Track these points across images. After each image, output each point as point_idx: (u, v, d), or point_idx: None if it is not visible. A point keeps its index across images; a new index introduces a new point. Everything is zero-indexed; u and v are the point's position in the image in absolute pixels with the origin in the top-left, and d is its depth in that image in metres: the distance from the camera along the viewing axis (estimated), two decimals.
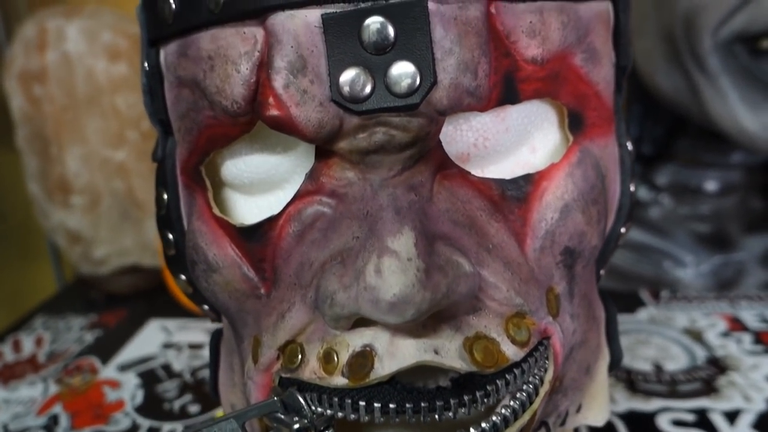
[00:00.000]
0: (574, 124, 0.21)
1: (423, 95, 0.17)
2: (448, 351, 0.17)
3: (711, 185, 0.49)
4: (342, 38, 0.17)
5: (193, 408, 0.38)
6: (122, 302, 0.54)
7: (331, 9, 0.18)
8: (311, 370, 0.18)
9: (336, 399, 0.18)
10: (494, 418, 0.18)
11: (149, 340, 0.47)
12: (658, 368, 0.40)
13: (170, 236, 0.24)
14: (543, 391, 0.19)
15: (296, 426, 0.18)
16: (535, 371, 0.19)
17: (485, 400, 0.18)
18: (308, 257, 0.19)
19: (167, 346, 0.46)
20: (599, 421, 0.24)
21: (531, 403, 0.19)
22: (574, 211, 0.20)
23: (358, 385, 0.17)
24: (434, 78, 0.17)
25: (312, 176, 0.19)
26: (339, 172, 0.19)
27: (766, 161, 0.49)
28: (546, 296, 0.20)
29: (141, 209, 0.52)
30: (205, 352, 0.44)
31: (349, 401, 0.17)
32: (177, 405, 0.39)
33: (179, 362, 0.43)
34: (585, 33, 0.21)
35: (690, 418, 0.35)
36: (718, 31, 0.38)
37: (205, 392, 0.40)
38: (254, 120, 0.19)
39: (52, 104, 0.49)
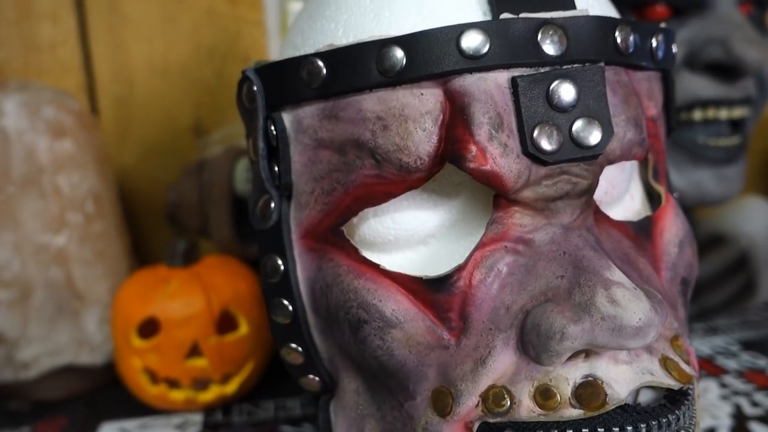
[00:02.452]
0: (654, 175, 0.25)
1: (604, 146, 0.20)
2: (657, 372, 0.19)
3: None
4: (532, 98, 0.19)
5: None
6: (55, 409, 0.47)
7: (516, 72, 0.20)
8: (527, 409, 0.19)
9: (571, 431, 0.18)
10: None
11: None
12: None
13: (285, 303, 0.23)
14: (698, 404, 0.22)
15: None
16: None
17: (687, 411, 0.20)
18: (502, 301, 0.20)
19: None
20: None
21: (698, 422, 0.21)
22: (687, 246, 0.23)
23: (595, 413, 0.18)
24: (611, 131, 0.20)
25: (493, 225, 0.20)
26: (521, 219, 0.20)
27: None
28: None
29: (81, 300, 0.47)
30: None
31: (586, 430, 0.18)
32: None
33: None
34: (660, 100, 0.25)
35: None
36: None
37: None
38: (430, 176, 0.20)
39: None
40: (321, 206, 0.22)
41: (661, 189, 0.25)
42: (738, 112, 0.46)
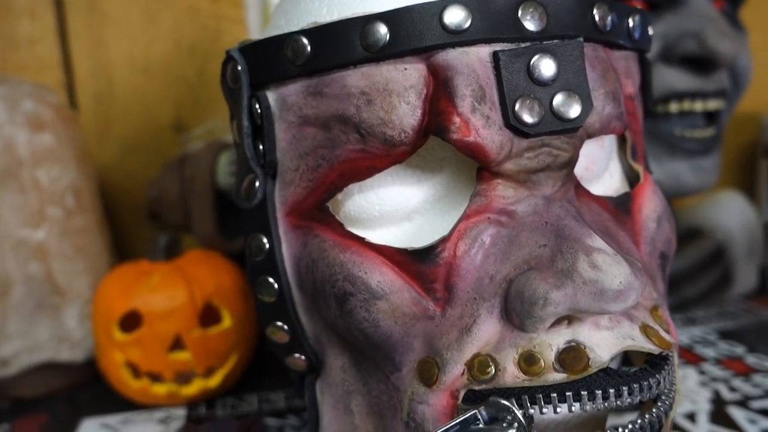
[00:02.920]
0: (633, 154, 0.26)
1: (582, 120, 0.20)
2: (637, 337, 0.19)
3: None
4: (513, 72, 0.20)
5: None
6: (35, 406, 0.46)
7: (498, 47, 0.20)
8: (512, 375, 0.19)
9: (554, 395, 0.19)
10: (662, 405, 0.20)
11: None
12: None
13: (271, 281, 0.23)
14: (678, 373, 0.22)
15: (512, 430, 0.18)
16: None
17: (667, 376, 0.20)
18: (487, 271, 0.20)
19: None
20: None
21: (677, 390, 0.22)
22: (665, 222, 0.24)
23: (578, 377, 0.18)
24: (591, 105, 0.20)
25: (477, 197, 0.21)
26: (504, 191, 0.21)
27: None
28: None
29: (61, 295, 0.47)
30: None
31: (570, 393, 0.19)
32: None
33: None
34: (637, 80, 0.25)
35: None
36: None
37: None
38: (414, 150, 0.20)
39: None
40: (306, 183, 0.22)
41: (639, 168, 0.25)
42: (713, 105, 0.47)
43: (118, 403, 0.45)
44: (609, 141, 0.24)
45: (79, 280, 0.47)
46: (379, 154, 0.21)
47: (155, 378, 0.43)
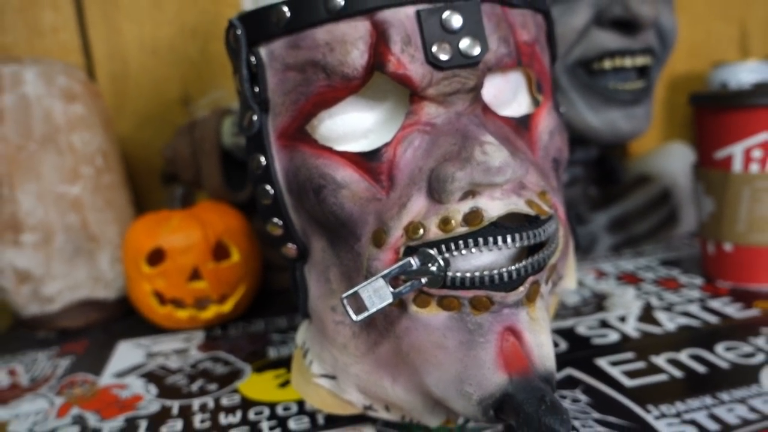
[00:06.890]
0: (538, 89, 0.34)
1: (481, 57, 0.28)
2: (520, 205, 0.28)
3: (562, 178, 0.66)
4: (431, 24, 0.28)
5: (212, 386, 0.43)
6: (77, 335, 0.55)
7: (420, 7, 0.28)
8: (434, 233, 0.27)
9: (460, 242, 0.27)
10: (542, 254, 0.29)
11: (129, 355, 0.50)
12: (563, 304, 0.53)
13: (267, 188, 0.32)
14: (561, 232, 0.31)
15: (434, 267, 0.27)
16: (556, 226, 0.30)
17: (543, 232, 0.28)
18: (417, 165, 0.29)
19: (152, 355, 0.49)
20: (573, 286, 0.35)
21: (557, 246, 0.30)
22: (556, 134, 0.32)
23: (475, 229, 0.27)
24: (487, 47, 0.28)
25: (409, 115, 0.29)
26: (429, 109, 0.29)
27: (596, 158, 0.66)
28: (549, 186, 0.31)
29: (95, 242, 0.55)
30: (193, 353, 0.49)
31: (471, 240, 0.27)
32: (195, 387, 0.43)
33: (174, 363, 0.47)
34: (538, 32, 0.34)
35: (596, 324, 0.48)
36: (565, 59, 0.55)
37: (216, 376, 0.44)
38: (364, 82, 0.29)
39: (6, 144, 0.51)
40: (290, 113, 0.30)
41: (540, 97, 0.33)
42: (641, 60, 0.55)
43: (147, 329, 0.54)
44: (515, 77, 0.33)
45: (109, 228, 0.56)
46: (340, 87, 0.29)
47: (178, 304, 0.52)
